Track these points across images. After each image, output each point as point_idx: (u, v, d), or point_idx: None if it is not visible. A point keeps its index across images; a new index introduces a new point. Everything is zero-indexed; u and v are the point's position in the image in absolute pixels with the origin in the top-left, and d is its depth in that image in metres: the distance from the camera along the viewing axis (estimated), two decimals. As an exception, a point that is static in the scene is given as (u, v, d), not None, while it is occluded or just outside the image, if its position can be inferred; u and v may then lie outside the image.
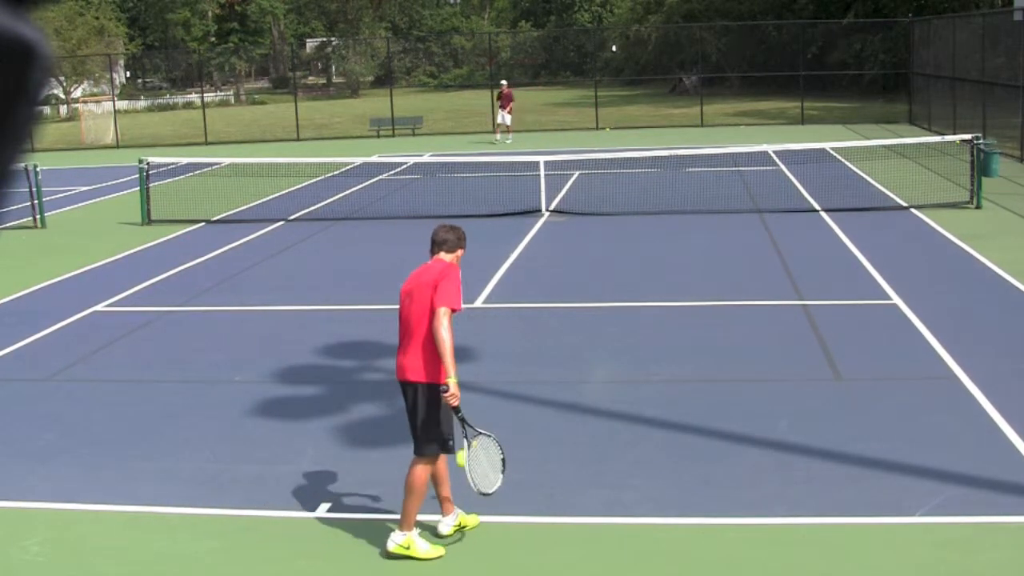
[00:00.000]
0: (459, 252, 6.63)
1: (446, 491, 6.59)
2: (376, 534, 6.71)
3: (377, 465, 7.74)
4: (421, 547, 6.36)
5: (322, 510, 7.06)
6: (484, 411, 8.84)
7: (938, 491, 6.97)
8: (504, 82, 35.62)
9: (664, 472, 7.51)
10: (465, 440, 6.37)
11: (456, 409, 6.25)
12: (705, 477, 7.40)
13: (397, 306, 6.56)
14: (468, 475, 6.33)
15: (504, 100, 34.02)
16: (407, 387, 6.34)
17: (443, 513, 6.62)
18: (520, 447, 8.06)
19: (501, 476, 6.49)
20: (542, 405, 9.08)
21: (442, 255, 6.54)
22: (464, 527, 6.67)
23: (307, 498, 7.24)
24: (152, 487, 7.54)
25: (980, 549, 6.27)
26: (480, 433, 6.47)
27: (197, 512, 7.12)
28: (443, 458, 6.48)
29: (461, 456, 6.31)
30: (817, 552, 6.30)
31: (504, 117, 33.91)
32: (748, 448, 7.89)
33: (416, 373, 6.27)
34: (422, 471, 6.30)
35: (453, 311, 6.25)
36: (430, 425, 6.26)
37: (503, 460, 6.52)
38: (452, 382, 6.14)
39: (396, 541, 6.35)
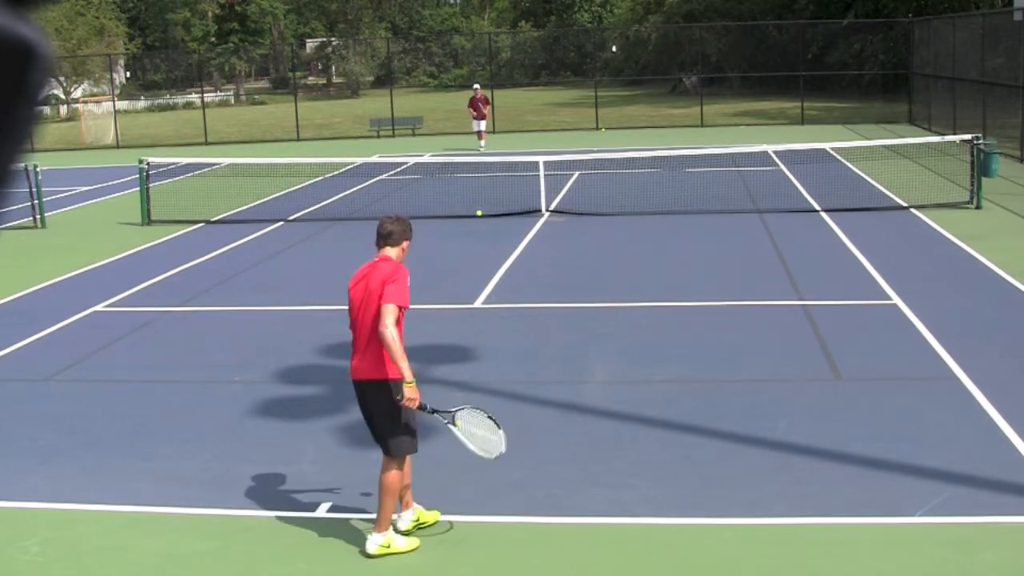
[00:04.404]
0: (405, 244, 6.52)
1: (405, 488, 6.61)
2: (376, 534, 6.71)
3: (377, 465, 7.69)
4: (400, 543, 6.45)
5: (322, 510, 7.06)
6: (484, 411, 8.85)
7: (938, 491, 6.97)
8: (476, 86, 33.39)
9: (664, 472, 7.51)
10: (450, 426, 6.46)
11: (422, 407, 6.26)
12: (705, 477, 7.40)
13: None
14: (473, 450, 6.48)
15: (477, 106, 31.52)
16: (361, 386, 6.31)
17: (401, 508, 6.63)
18: (520, 447, 8.05)
19: (501, 432, 6.53)
20: (542, 405, 9.08)
21: (387, 250, 6.44)
22: (424, 523, 6.68)
23: (307, 498, 7.24)
24: (152, 487, 7.54)
25: (980, 549, 6.27)
26: (454, 412, 6.55)
27: (197, 512, 7.12)
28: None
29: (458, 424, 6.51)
30: (817, 552, 6.30)
31: (479, 124, 31.48)
32: (748, 448, 7.89)
33: (369, 371, 6.23)
34: (396, 472, 6.33)
35: (401, 309, 6.20)
36: (392, 420, 6.24)
37: (492, 419, 6.56)
38: (407, 387, 6.11)
39: (376, 543, 6.39)
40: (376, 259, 6.44)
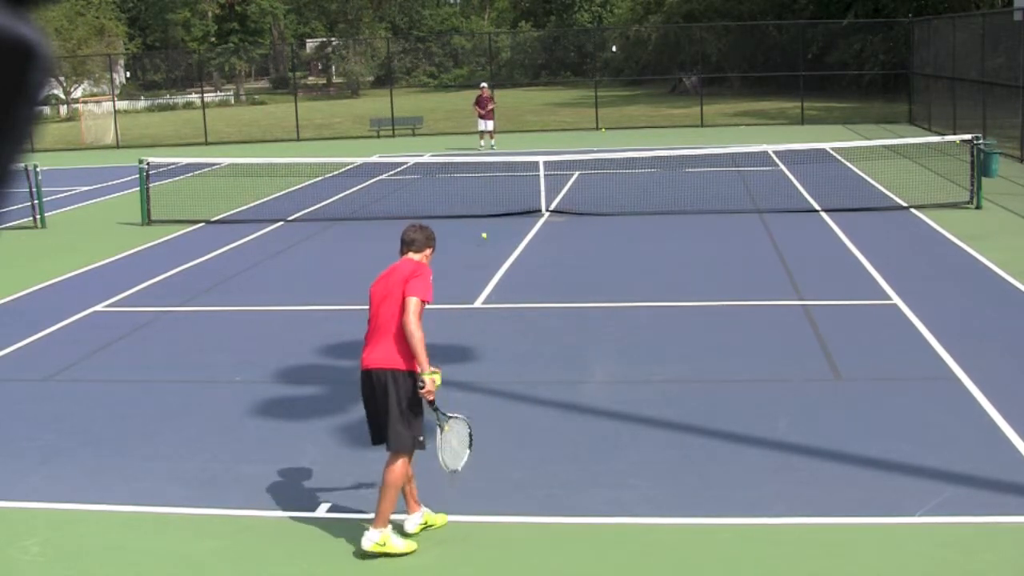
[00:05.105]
0: (428, 251, 6.70)
1: (412, 489, 6.61)
2: (376, 534, 6.71)
3: (377, 465, 7.70)
4: (396, 543, 6.40)
5: (322, 510, 7.06)
6: (484, 411, 8.85)
7: (938, 491, 6.97)
8: (484, 84, 33.33)
9: (664, 472, 7.51)
10: (438, 427, 6.48)
11: (431, 402, 6.33)
12: (705, 477, 7.40)
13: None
14: (439, 456, 6.50)
15: (484, 105, 31.22)
16: (376, 375, 6.30)
17: (408, 511, 6.63)
18: (520, 447, 8.07)
19: (468, 451, 6.69)
20: (542, 405, 9.08)
21: (411, 255, 6.63)
22: (431, 525, 6.67)
23: (307, 498, 7.24)
24: (152, 487, 7.54)
25: (980, 549, 6.27)
26: (451, 417, 6.62)
27: (197, 512, 7.12)
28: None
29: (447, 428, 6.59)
30: (817, 552, 6.30)
31: (486, 124, 31.16)
32: (748, 448, 7.89)
33: (388, 361, 6.27)
34: (402, 466, 6.33)
35: (424, 303, 6.33)
36: (398, 413, 6.25)
37: (471, 435, 6.73)
38: (428, 377, 6.20)
39: (372, 539, 6.35)
40: (398, 262, 6.62)
